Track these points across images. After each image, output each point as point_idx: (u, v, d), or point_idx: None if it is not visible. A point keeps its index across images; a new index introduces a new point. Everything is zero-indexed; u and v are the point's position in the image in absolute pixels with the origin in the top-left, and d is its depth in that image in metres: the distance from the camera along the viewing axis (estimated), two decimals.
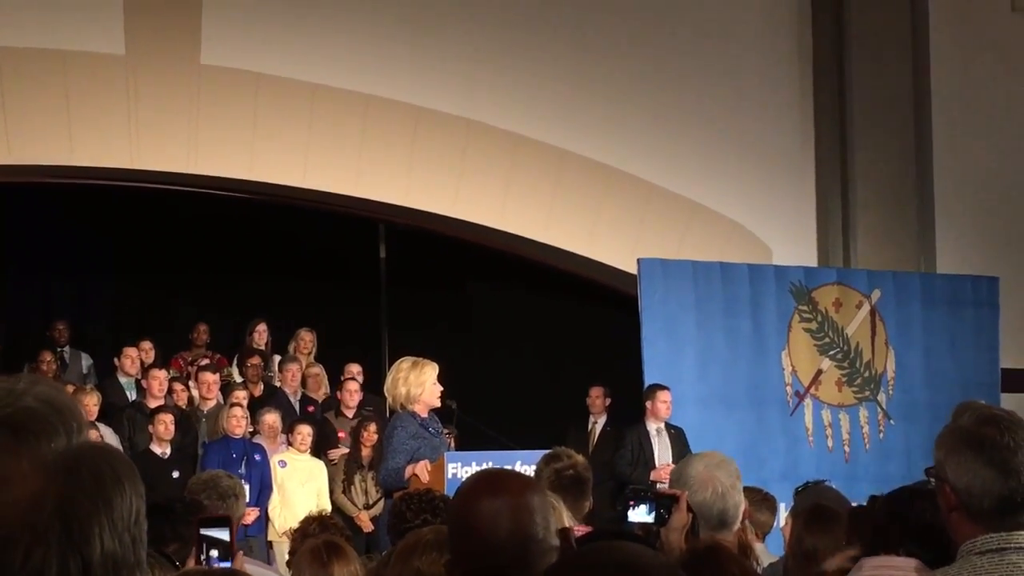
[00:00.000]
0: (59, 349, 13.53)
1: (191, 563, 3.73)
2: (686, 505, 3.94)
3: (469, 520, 2.73)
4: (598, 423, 13.06)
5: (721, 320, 11.90)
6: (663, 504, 3.95)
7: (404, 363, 8.19)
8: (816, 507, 5.27)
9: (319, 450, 11.84)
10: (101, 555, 1.18)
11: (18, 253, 14.60)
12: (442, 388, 8.13)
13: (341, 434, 12.05)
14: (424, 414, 8.09)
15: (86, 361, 13.61)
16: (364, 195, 13.04)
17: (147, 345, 13.00)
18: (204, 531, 3.56)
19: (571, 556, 1.74)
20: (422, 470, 7.78)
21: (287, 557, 6.51)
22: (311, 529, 5.73)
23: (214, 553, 3.52)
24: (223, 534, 3.54)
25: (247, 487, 9.74)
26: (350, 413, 12.21)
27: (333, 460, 11.82)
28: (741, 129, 13.90)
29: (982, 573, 2.71)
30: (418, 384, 8.08)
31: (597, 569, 1.66)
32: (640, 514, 3.95)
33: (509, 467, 7.60)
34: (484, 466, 7.61)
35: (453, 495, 2.85)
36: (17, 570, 1.14)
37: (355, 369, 13.05)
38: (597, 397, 13.08)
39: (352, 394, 12.32)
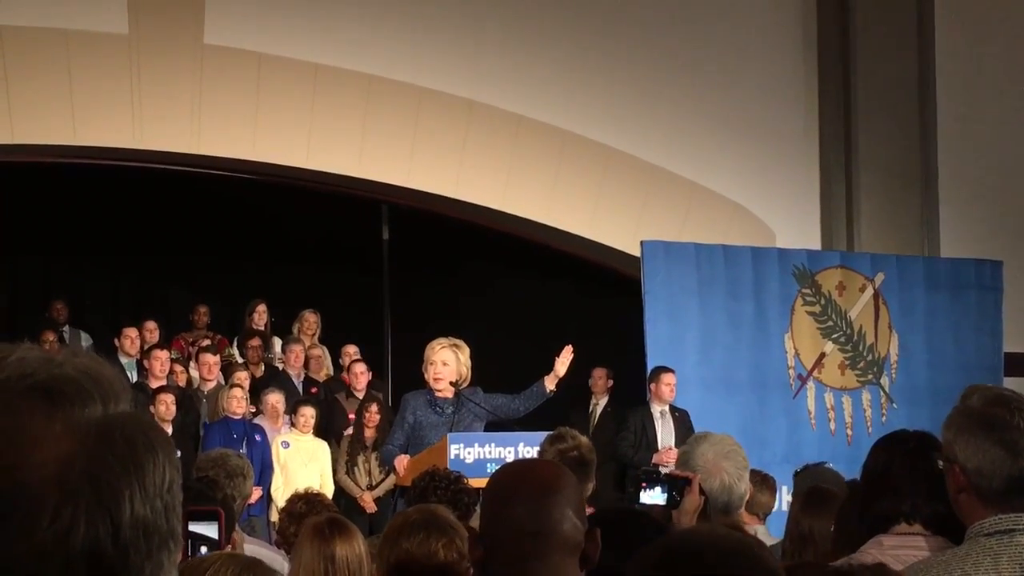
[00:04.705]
0: (59, 329, 13.50)
1: (178, 557, 3.61)
2: (698, 488, 3.92)
3: (497, 505, 2.75)
4: (599, 404, 13.05)
5: (724, 303, 11.87)
6: (675, 486, 3.93)
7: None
8: (813, 489, 5.25)
9: (329, 431, 11.82)
10: (131, 519, 1.18)
11: (20, 232, 14.57)
12: (435, 370, 8.08)
13: (351, 415, 12.02)
14: (443, 394, 8.08)
15: (86, 341, 13.56)
16: (367, 176, 13.01)
17: (151, 325, 12.98)
18: (192, 527, 3.46)
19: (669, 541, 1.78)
20: (400, 465, 7.88)
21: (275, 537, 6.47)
22: (297, 508, 5.67)
23: (203, 550, 3.43)
24: (211, 529, 3.45)
25: None
26: (360, 395, 12.18)
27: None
28: (745, 111, 13.86)
29: (991, 554, 2.69)
30: (425, 362, 8.13)
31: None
32: (653, 496, 3.93)
33: (512, 448, 7.61)
34: (487, 447, 7.64)
35: (488, 481, 2.91)
36: (45, 528, 1.14)
37: (352, 350, 13.03)
38: (599, 378, 13.08)
39: (359, 376, 12.30)
